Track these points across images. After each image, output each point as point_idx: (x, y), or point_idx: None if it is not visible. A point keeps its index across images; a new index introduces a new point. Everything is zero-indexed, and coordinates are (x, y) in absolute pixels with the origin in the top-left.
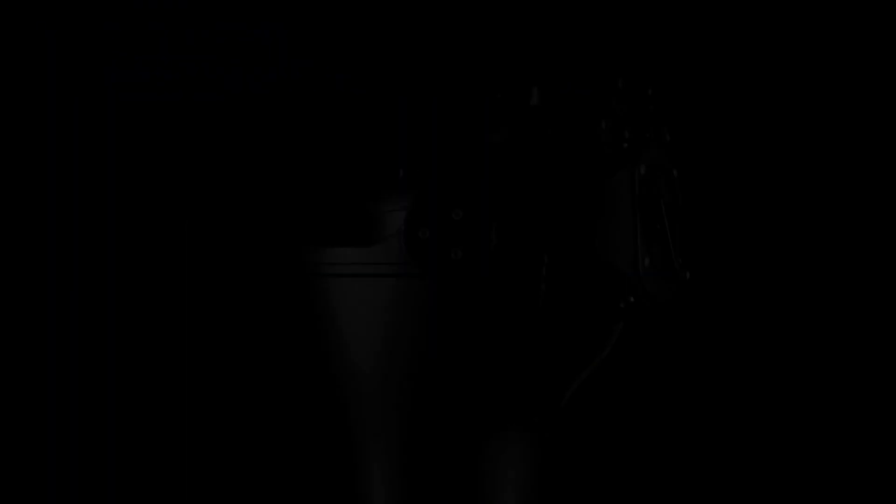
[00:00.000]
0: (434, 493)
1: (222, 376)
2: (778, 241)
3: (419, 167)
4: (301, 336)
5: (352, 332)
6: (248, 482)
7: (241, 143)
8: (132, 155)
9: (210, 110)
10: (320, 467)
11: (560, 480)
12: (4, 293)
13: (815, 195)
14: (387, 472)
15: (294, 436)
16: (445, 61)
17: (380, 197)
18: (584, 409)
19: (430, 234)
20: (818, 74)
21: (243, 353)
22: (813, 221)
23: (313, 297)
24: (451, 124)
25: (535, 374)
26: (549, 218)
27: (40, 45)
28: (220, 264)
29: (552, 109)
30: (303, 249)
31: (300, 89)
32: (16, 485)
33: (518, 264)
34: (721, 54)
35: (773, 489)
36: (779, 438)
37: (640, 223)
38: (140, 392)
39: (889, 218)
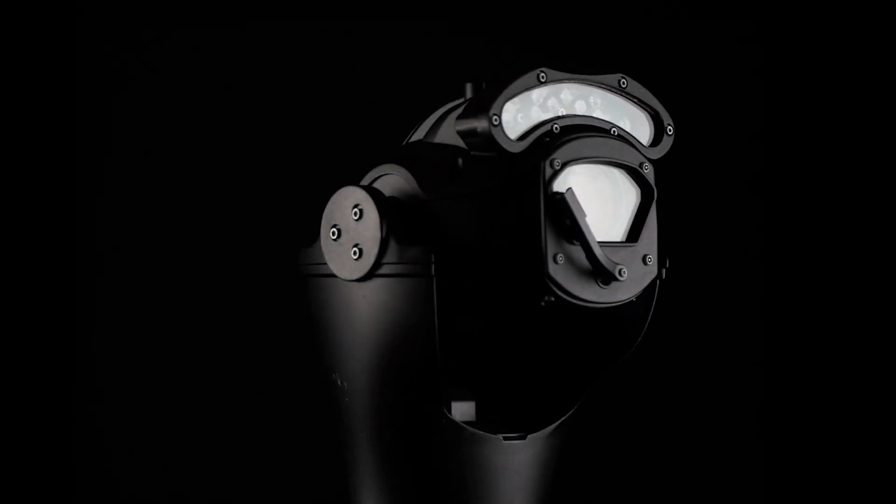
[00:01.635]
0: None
1: (214, 375)
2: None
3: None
4: (288, 334)
5: (331, 331)
6: (241, 482)
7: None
8: (128, 154)
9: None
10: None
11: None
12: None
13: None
14: (375, 477)
15: (287, 437)
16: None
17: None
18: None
19: (338, 236)
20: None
21: (234, 352)
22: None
23: (302, 296)
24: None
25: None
26: (437, 213)
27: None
28: (213, 263)
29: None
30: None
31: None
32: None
33: (407, 261)
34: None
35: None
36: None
37: (547, 219)
38: (133, 391)
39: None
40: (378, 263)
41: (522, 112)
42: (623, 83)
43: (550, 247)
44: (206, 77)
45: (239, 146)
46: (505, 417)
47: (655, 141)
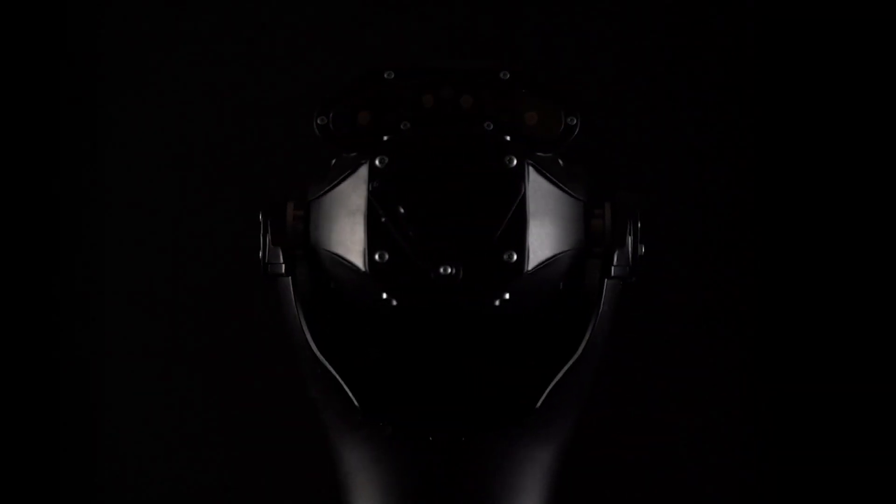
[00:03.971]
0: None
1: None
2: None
3: None
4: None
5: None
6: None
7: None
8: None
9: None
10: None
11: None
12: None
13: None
14: (337, 473)
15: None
16: None
17: None
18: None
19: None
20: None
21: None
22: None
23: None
24: None
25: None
26: (308, 214)
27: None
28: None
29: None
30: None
31: None
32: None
33: (273, 261)
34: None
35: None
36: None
37: (368, 216)
38: (124, 391)
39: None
40: (264, 264)
41: (385, 111)
42: (505, 75)
43: (372, 245)
44: (204, 77)
45: (232, 147)
46: (441, 418)
47: (555, 133)
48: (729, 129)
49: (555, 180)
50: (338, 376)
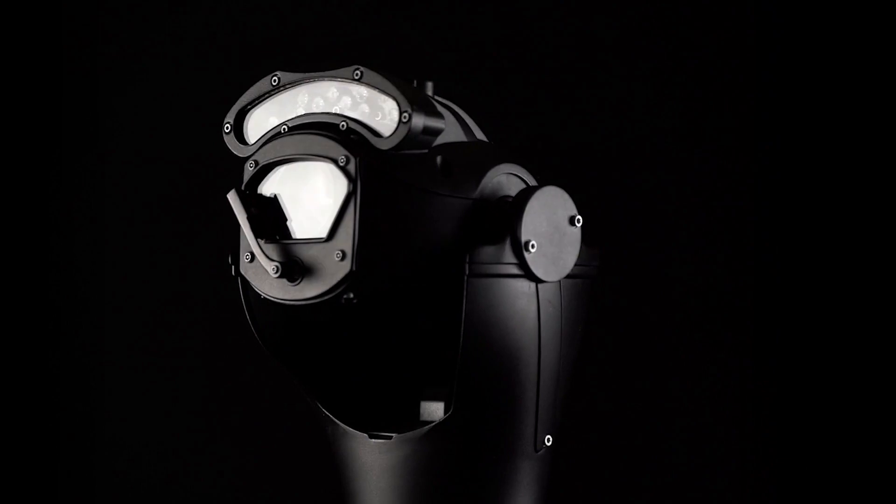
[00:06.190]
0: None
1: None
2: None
3: None
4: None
5: None
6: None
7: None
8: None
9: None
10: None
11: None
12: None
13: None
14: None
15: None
16: None
17: None
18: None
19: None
20: None
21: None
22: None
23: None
24: None
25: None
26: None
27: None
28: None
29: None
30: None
31: None
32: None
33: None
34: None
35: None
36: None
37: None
38: (124, 391)
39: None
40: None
41: (279, 115)
42: (357, 74)
43: (243, 245)
44: (204, 78)
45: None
46: (373, 416)
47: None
48: (729, 129)
49: (404, 179)
50: (293, 375)
